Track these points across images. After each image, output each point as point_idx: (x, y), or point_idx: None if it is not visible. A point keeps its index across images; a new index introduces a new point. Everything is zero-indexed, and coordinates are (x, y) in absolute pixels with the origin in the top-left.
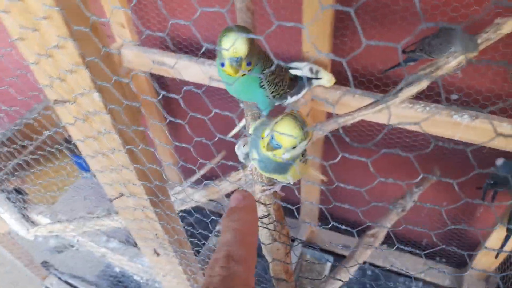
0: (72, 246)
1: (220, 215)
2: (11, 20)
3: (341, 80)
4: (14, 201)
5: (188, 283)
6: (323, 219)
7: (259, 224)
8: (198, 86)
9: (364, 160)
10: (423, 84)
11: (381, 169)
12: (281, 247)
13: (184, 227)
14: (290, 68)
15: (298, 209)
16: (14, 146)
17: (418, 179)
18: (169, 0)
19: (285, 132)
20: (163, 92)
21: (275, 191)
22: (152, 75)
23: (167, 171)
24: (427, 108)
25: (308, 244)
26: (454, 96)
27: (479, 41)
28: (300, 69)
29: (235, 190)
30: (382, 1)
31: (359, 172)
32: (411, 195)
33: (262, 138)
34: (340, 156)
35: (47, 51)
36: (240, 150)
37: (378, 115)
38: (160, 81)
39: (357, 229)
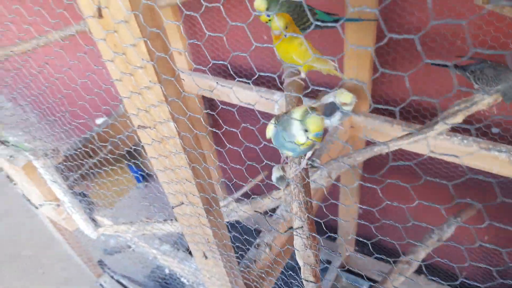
0: (129, 247)
1: (258, 232)
2: (114, 66)
3: (381, 110)
4: (83, 204)
5: (230, 285)
6: (359, 244)
7: (295, 233)
8: (245, 109)
9: (403, 186)
10: (458, 119)
11: (419, 199)
12: (312, 254)
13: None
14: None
15: (335, 232)
16: (87, 150)
17: (450, 203)
18: (218, 31)
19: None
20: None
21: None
22: (203, 97)
23: None
24: (465, 141)
25: (344, 268)
26: (494, 130)
27: None
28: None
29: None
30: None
31: (397, 199)
32: (448, 225)
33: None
34: (377, 185)
35: (138, 90)
36: (273, 176)
37: (415, 145)
38: (210, 103)
39: (394, 259)
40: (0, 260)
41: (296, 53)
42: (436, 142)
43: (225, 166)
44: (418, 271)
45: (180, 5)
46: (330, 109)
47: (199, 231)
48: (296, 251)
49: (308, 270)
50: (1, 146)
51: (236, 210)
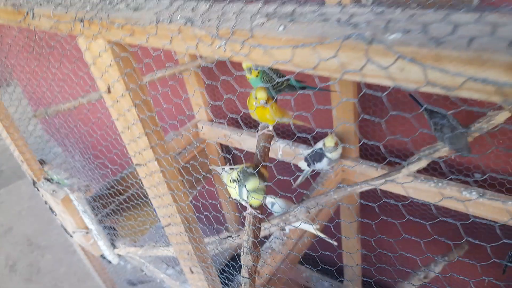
0: (142, 271)
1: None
2: (119, 123)
3: (368, 155)
4: (108, 234)
5: None
6: (366, 285)
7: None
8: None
9: (397, 227)
10: (423, 163)
11: (412, 239)
12: (251, 259)
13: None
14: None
15: (342, 274)
16: (112, 191)
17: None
18: (233, 89)
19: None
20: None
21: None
22: (221, 144)
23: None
24: (439, 184)
25: None
26: (477, 175)
27: (472, 129)
28: (320, 146)
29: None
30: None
31: (394, 241)
32: (435, 264)
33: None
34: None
35: (134, 139)
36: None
37: (388, 187)
38: (227, 150)
39: None
40: None
41: (269, 115)
42: (415, 185)
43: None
44: None
45: (202, 75)
46: (319, 155)
47: (183, 248)
48: (241, 254)
49: (245, 269)
50: (47, 183)
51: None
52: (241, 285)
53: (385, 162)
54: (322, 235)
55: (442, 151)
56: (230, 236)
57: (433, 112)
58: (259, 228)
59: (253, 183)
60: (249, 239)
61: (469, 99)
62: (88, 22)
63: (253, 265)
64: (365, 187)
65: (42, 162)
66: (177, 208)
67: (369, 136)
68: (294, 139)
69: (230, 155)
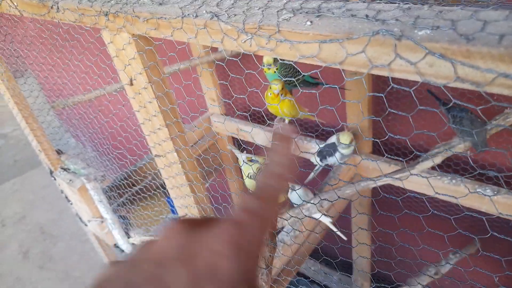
0: None
1: None
2: (140, 115)
3: (381, 151)
4: (122, 223)
5: None
6: (375, 279)
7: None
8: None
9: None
10: (438, 160)
11: (424, 235)
12: (268, 250)
13: None
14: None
15: (351, 267)
16: (128, 182)
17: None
18: (248, 79)
19: None
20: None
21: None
22: (233, 138)
23: None
24: (453, 181)
25: None
26: (491, 173)
27: (488, 127)
28: (333, 140)
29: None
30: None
31: (405, 235)
32: (446, 260)
33: None
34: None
35: (154, 130)
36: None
37: (401, 182)
38: (239, 142)
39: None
40: (52, 278)
41: (287, 109)
42: (430, 181)
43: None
44: None
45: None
46: (331, 150)
47: None
48: None
49: (262, 260)
50: (64, 173)
51: None
52: (258, 276)
53: (408, 159)
54: (335, 229)
55: (458, 147)
56: None
57: (451, 107)
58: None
59: None
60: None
61: (487, 96)
62: (113, 15)
63: (270, 256)
64: (380, 182)
65: (59, 152)
66: (195, 199)
67: (383, 132)
68: (305, 133)
69: (241, 149)
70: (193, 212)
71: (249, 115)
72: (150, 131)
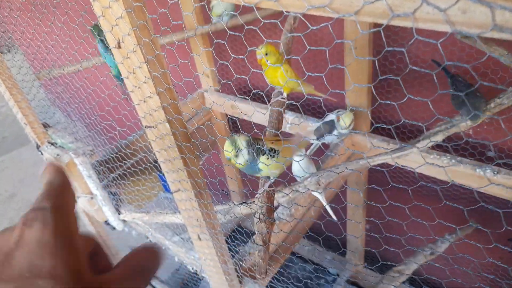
0: (147, 238)
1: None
2: (129, 82)
3: (379, 129)
4: (112, 199)
5: (219, 265)
6: (368, 259)
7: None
8: (262, 127)
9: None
10: (439, 138)
11: (420, 214)
12: (264, 227)
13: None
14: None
15: (345, 247)
16: (119, 155)
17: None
18: (244, 54)
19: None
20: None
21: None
22: (227, 115)
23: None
24: (453, 160)
25: (353, 282)
26: (490, 153)
27: (492, 105)
28: (332, 118)
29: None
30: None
31: (400, 214)
32: (442, 240)
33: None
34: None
35: (144, 99)
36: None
37: (400, 161)
38: (233, 121)
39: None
40: None
41: (280, 78)
42: (428, 161)
43: (243, 178)
44: (411, 283)
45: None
46: (329, 127)
47: (192, 214)
48: (254, 220)
49: (259, 236)
50: (51, 147)
51: (231, 211)
52: (255, 253)
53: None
54: (329, 208)
55: (459, 126)
56: (245, 202)
57: (455, 79)
58: (274, 193)
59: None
60: (264, 205)
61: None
62: None
63: (268, 232)
64: (378, 161)
65: (46, 125)
66: (188, 173)
67: (382, 111)
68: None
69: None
70: (186, 186)
71: (244, 92)
72: (140, 100)
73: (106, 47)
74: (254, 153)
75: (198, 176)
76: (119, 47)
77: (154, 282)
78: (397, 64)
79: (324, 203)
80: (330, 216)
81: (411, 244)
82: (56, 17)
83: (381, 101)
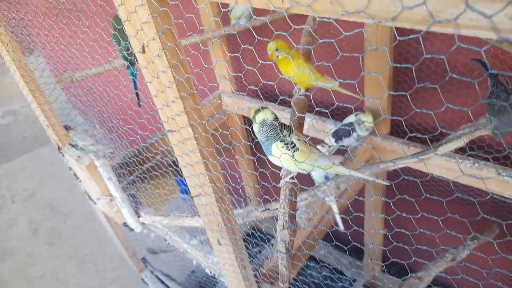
0: (165, 240)
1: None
2: (152, 86)
3: (400, 132)
4: (131, 202)
5: (238, 270)
6: (386, 264)
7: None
8: None
9: (425, 207)
10: (461, 142)
11: (438, 221)
12: (287, 233)
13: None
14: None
15: (362, 252)
16: (138, 159)
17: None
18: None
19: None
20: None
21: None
22: (244, 116)
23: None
24: (476, 165)
25: (371, 285)
26: None
27: None
28: (351, 120)
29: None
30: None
31: (420, 219)
32: (464, 247)
33: None
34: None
35: (167, 103)
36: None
37: (422, 165)
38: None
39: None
40: (61, 255)
41: (291, 71)
42: (449, 165)
43: (264, 183)
44: None
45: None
46: (348, 130)
47: (212, 219)
48: (277, 227)
49: (281, 244)
50: (72, 149)
51: (252, 214)
52: (279, 260)
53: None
54: (338, 217)
55: (484, 129)
56: (268, 209)
57: (497, 80)
58: (296, 200)
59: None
60: (286, 212)
61: None
62: None
63: (291, 239)
64: (400, 165)
65: (67, 128)
66: (209, 178)
67: (402, 112)
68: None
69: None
70: (208, 191)
71: (260, 92)
72: (163, 104)
73: (120, 40)
74: (268, 134)
75: (220, 181)
76: (144, 51)
77: (171, 284)
78: (418, 65)
79: (335, 210)
80: (338, 225)
81: (428, 250)
82: (81, 21)
83: (417, 109)
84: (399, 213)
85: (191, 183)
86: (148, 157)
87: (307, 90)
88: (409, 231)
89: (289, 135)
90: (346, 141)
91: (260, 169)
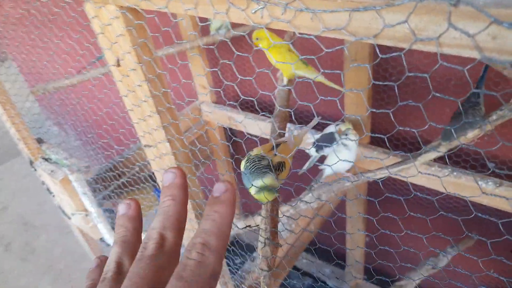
0: None
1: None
2: (128, 100)
3: (380, 142)
4: (107, 217)
5: (219, 287)
6: (367, 272)
7: (259, 233)
8: (261, 139)
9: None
10: (442, 149)
11: (420, 227)
12: (269, 250)
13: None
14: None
15: (344, 260)
16: (113, 174)
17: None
18: (240, 67)
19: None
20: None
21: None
22: (224, 128)
23: None
24: (454, 173)
25: None
26: (490, 165)
27: (494, 117)
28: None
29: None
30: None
31: (399, 228)
32: (444, 254)
33: None
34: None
35: (144, 118)
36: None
37: (403, 175)
38: (230, 133)
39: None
40: (34, 271)
41: (279, 59)
42: (428, 173)
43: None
44: None
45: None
46: (329, 139)
47: (191, 235)
48: (259, 245)
49: (264, 261)
50: (45, 163)
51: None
52: (261, 278)
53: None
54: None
55: (462, 139)
56: (249, 226)
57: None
58: (277, 216)
59: (269, 179)
60: (267, 228)
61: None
62: None
63: (273, 257)
64: (380, 175)
65: (40, 141)
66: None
67: (383, 122)
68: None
69: (231, 142)
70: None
71: (239, 104)
72: (139, 119)
73: None
74: (250, 177)
75: (199, 197)
76: (118, 65)
77: None
78: (395, 74)
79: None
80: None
81: (409, 257)
82: (53, 32)
83: (400, 127)
84: (380, 228)
85: None
86: (123, 171)
87: (290, 82)
88: (389, 239)
89: (268, 162)
90: (327, 151)
91: (241, 185)
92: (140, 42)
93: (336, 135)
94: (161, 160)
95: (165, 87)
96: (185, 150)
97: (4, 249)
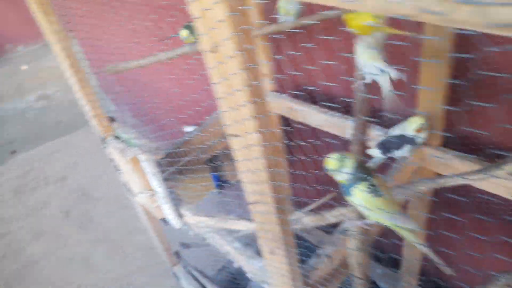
0: (204, 239)
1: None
2: (220, 88)
3: (453, 144)
4: (173, 198)
5: (289, 281)
6: (423, 280)
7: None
8: (318, 131)
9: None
10: None
11: (492, 241)
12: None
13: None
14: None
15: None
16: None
17: None
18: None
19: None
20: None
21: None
22: (283, 117)
23: None
24: None
25: None
26: None
27: None
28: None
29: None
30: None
31: (465, 239)
32: None
33: None
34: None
35: (236, 107)
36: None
37: (484, 184)
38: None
39: None
40: (91, 241)
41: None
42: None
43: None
44: None
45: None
46: (398, 141)
47: (269, 228)
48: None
49: (360, 270)
50: (116, 141)
51: (300, 221)
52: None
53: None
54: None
55: None
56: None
57: None
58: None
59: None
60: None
61: None
62: None
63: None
64: (459, 181)
65: (111, 119)
66: (272, 187)
67: (458, 124)
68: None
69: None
70: (268, 200)
71: (301, 93)
72: (230, 107)
73: None
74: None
75: (283, 191)
76: (215, 51)
77: (204, 280)
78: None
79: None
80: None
81: (479, 270)
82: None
83: (476, 130)
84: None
85: (250, 190)
86: (185, 151)
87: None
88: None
89: (370, 174)
90: (397, 153)
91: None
92: (242, 29)
93: (413, 134)
94: (248, 150)
95: (260, 77)
96: (275, 143)
97: (64, 215)
